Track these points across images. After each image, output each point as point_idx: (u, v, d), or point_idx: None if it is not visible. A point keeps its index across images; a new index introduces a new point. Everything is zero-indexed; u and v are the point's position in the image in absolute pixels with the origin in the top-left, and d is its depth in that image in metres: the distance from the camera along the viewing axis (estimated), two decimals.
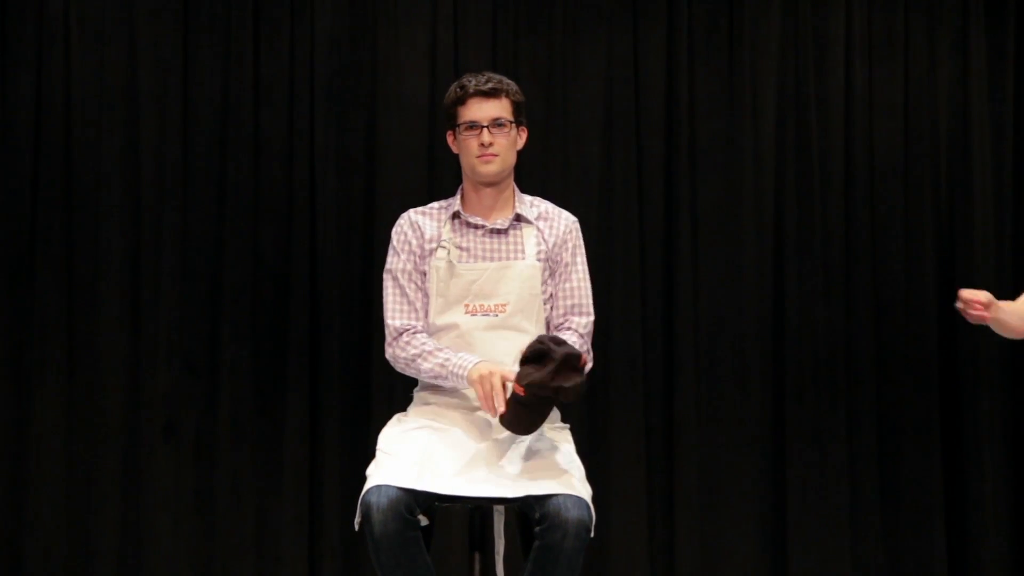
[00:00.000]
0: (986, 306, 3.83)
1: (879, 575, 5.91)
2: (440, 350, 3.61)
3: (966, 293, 3.84)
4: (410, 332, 3.68)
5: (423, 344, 3.64)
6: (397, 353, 3.68)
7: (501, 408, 3.43)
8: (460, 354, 3.59)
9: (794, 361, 5.93)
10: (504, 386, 3.45)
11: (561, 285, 3.74)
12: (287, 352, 5.72)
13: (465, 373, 3.52)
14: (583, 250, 3.80)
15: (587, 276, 3.78)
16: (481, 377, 3.48)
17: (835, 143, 6.05)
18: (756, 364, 5.93)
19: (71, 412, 5.64)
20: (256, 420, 5.71)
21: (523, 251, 3.73)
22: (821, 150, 6.05)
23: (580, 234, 3.81)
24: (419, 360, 3.63)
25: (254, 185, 5.78)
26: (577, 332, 3.70)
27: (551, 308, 3.74)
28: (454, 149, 3.78)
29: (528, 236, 3.74)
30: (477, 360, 3.54)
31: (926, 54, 6.12)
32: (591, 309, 3.77)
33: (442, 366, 3.59)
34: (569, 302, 3.74)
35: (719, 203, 5.98)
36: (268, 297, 5.75)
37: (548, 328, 3.73)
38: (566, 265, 3.75)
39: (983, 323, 3.90)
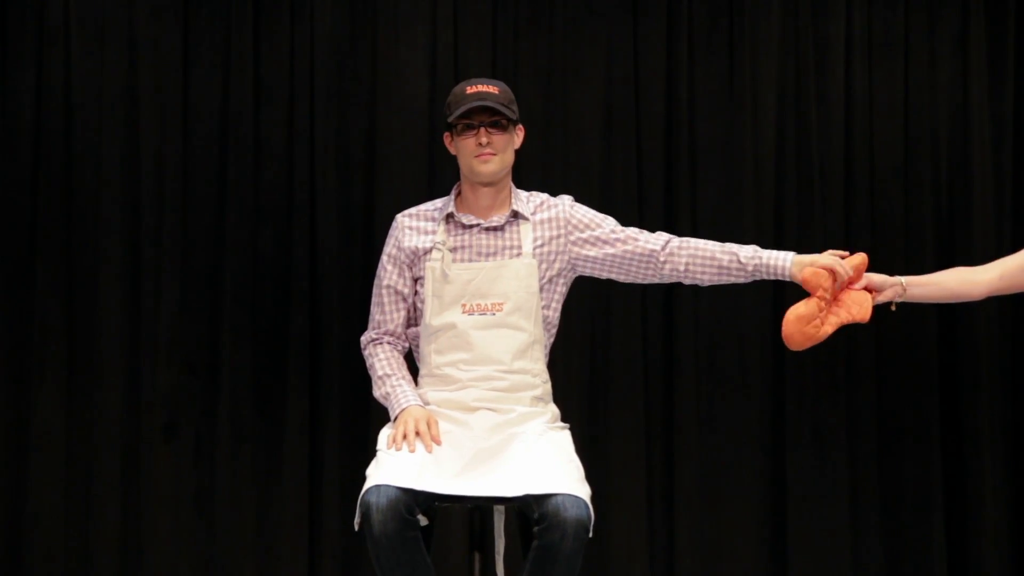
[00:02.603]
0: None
1: (879, 575, 5.91)
2: (389, 377, 3.72)
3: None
4: (375, 343, 3.79)
5: (378, 364, 3.75)
6: (365, 359, 3.81)
7: (411, 448, 3.51)
8: (400, 390, 3.68)
9: (794, 361, 5.92)
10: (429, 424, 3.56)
11: (617, 242, 3.79)
12: (287, 352, 5.72)
13: (398, 411, 3.64)
14: (590, 209, 3.83)
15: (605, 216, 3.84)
16: (405, 420, 3.59)
17: (835, 143, 6.04)
18: (756, 364, 5.93)
19: (71, 412, 5.64)
20: (256, 420, 5.71)
21: (519, 248, 3.72)
22: (821, 150, 6.04)
23: (578, 204, 3.83)
24: (373, 380, 3.77)
25: (254, 185, 5.78)
26: (661, 237, 3.90)
27: (639, 253, 3.80)
28: (451, 150, 3.78)
29: (525, 232, 3.74)
30: (409, 404, 3.64)
31: (926, 54, 6.12)
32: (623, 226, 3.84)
33: (384, 398, 3.71)
34: (635, 236, 3.82)
35: (719, 203, 5.98)
36: (268, 297, 5.75)
37: (547, 325, 3.74)
38: (599, 231, 3.78)
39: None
